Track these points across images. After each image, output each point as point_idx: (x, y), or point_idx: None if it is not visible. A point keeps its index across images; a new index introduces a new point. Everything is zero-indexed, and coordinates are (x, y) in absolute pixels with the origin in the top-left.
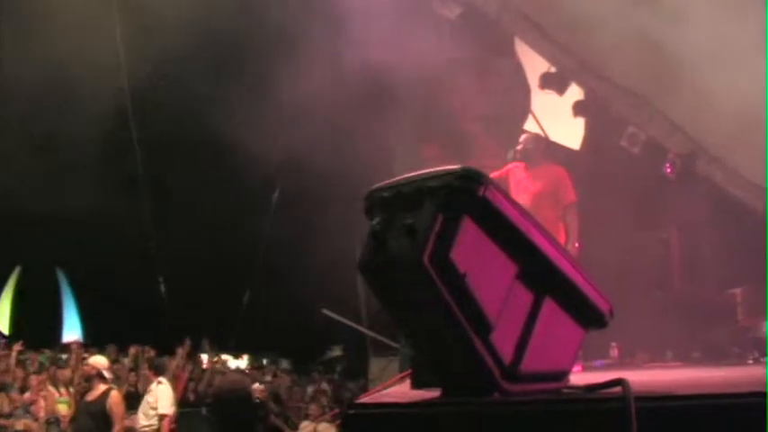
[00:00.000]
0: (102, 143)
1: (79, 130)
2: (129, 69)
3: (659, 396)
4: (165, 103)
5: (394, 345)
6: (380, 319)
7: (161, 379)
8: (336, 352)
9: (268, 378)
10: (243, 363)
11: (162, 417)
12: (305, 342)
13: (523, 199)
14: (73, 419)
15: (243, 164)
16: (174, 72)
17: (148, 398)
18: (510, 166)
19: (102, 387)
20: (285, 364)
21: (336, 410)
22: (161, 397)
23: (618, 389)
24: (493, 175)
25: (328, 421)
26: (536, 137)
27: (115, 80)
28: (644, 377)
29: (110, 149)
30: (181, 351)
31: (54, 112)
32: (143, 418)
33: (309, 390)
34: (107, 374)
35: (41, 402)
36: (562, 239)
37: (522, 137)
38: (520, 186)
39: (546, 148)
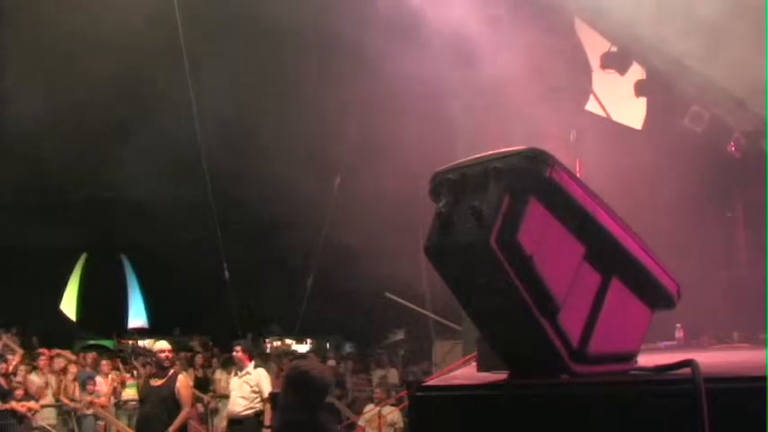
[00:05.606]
0: (168, 133)
1: (145, 119)
2: (195, 65)
3: (728, 378)
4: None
5: (458, 328)
6: (444, 302)
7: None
8: (399, 335)
9: (331, 362)
10: (306, 347)
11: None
12: (368, 326)
13: None
14: (141, 403)
15: (308, 151)
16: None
17: (248, 381)
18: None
19: (168, 372)
20: (348, 347)
21: (402, 393)
22: (263, 379)
23: (687, 370)
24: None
25: (393, 404)
26: None
27: (182, 72)
28: (711, 358)
29: (175, 139)
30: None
31: (122, 101)
32: (242, 401)
33: (377, 374)
34: (165, 361)
35: (103, 381)
36: None
37: None
38: None
39: None
